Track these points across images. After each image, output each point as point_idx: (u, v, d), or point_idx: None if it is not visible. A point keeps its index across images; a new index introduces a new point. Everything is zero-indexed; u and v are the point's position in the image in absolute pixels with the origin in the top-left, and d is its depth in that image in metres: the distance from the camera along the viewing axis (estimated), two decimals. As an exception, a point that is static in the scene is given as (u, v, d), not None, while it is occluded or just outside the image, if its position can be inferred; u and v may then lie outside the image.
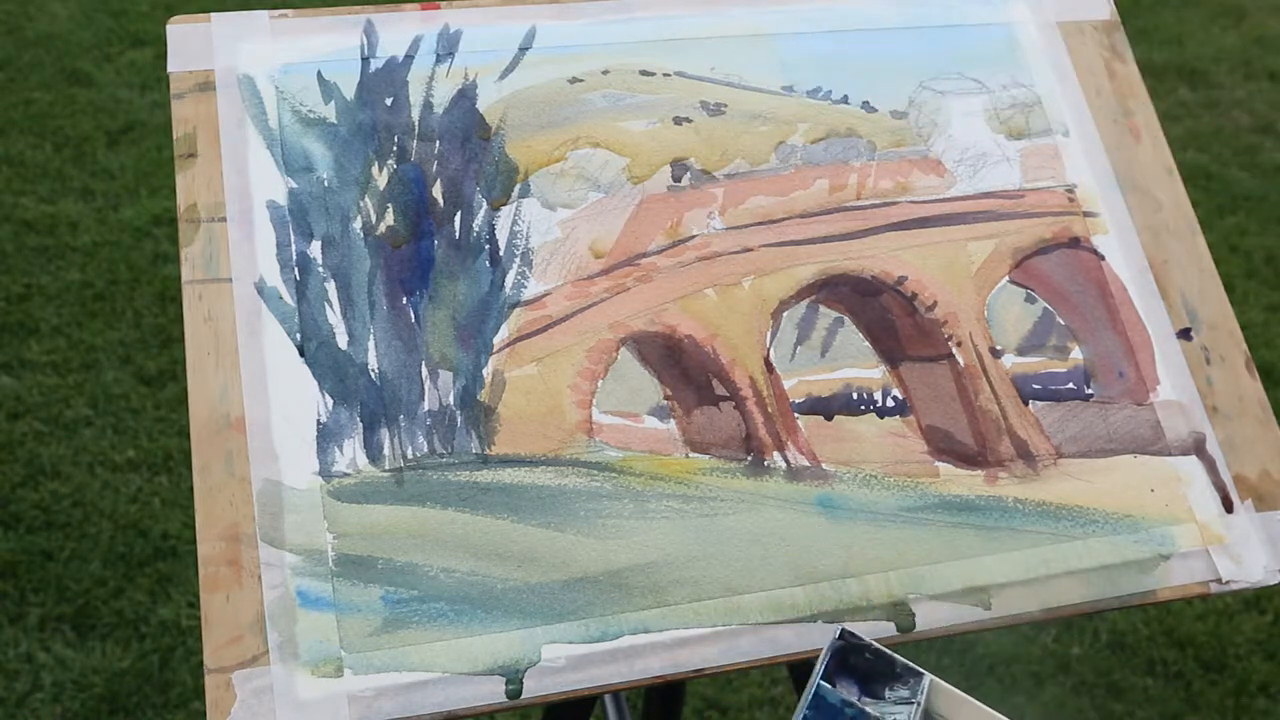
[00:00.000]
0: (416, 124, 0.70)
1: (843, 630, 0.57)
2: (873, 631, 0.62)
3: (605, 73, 0.74)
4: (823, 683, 0.56)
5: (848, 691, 0.57)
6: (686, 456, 0.65)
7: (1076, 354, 0.72)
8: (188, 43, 0.70)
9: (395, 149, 0.70)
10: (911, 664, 0.57)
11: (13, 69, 2.21)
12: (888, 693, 0.57)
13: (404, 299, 0.66)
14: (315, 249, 0.66)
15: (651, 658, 0.60)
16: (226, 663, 0.57)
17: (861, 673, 0.58)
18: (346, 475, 0.62)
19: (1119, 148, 0.78)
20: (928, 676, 0.57)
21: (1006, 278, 0.73)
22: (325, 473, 0.62)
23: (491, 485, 0.63)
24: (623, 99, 0.74)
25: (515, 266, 0.68)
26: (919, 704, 0.56)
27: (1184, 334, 0.73)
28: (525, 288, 0.68)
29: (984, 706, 0.56)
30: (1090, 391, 0.71)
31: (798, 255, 0.71)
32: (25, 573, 1.43)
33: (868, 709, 0.55)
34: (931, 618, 0.64)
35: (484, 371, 0.65)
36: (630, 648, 0.60)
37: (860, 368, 0.69)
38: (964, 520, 0.66)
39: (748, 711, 1.38)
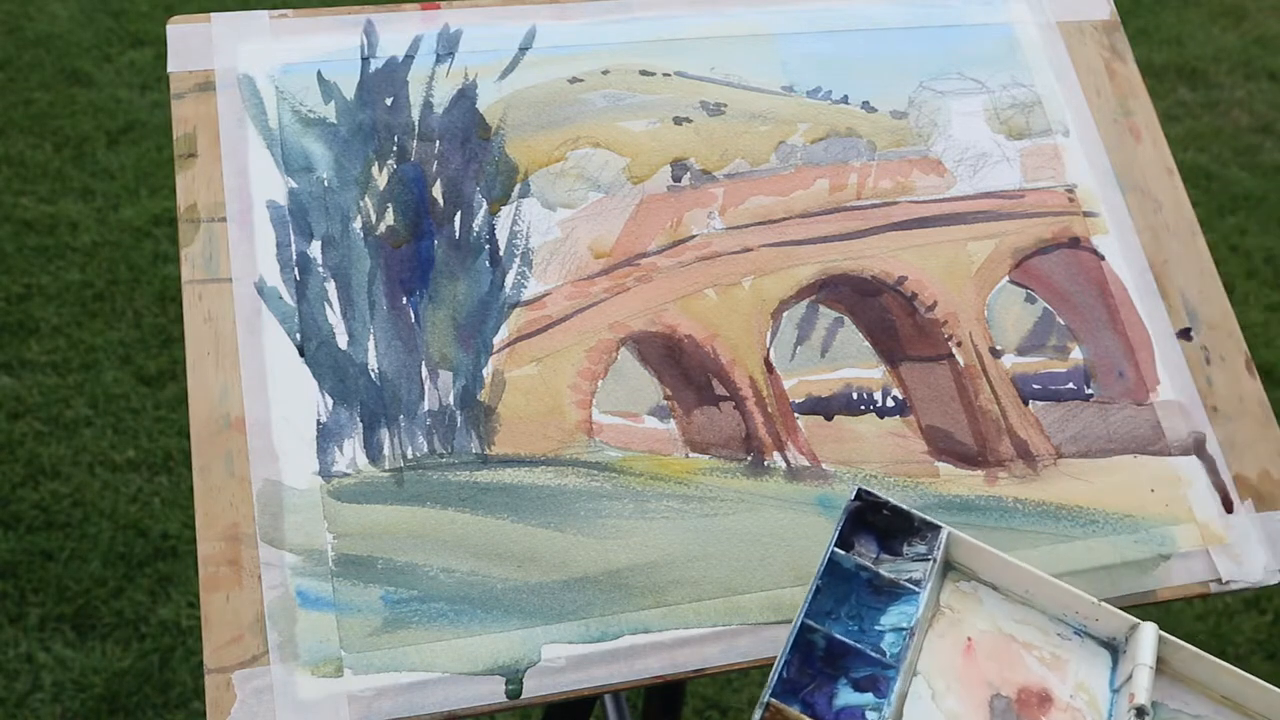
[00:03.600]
0: (416, 124, 0.70)
1: (860, 490, 0.57)
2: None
3: (605, 73, 0.74)
4: (837, 549, 0.56)
5: (867, 548, 0.57)
6: (686, 456, 0.65)
7: (1076, 354, 0.72)
8: (188, 43, 0.70)
9: (395, 149, 0.70)
10: (929, 518, 0.57)
11: (13, 69, 2.21)
12: (906, 549, 0.57)
13: (404, 299, 0.66)
14: (315, 249, 0.66)
15: (651, 658, 0.60)
16: (226, 663, 0.57)
17: (880, 530, 0.58)
18: (346, 475, 0.62)
19: (1119, 148, 0.78)
20: (945, 530, 0.57)
21: (1006, 278, 0.73)
22: (325, 473, 0.62)
23: (491, 485, 0.63)
24: (623, 99, 0.74)
25: (515, 266, 0.68)
26: (935, 559, 0.56)
27: (1184, 334, 0.73)
28: (525, 288, 0.68)
29: (1003, 555, 0.57)
30: (1090, 391, 0.71)
31: (798, 255, 0.71)
32: (25, 573, 1.43)
33: (882, 570, 0.55)
34: (931, 618, 0.64)
35: (484, 371, 0.65)
36: (630, 648, 0.60)
37: (860, 368, 0.69)
38: (964, 520, 0.66)
39: (747, 711, 1.38)
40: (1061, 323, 0.72)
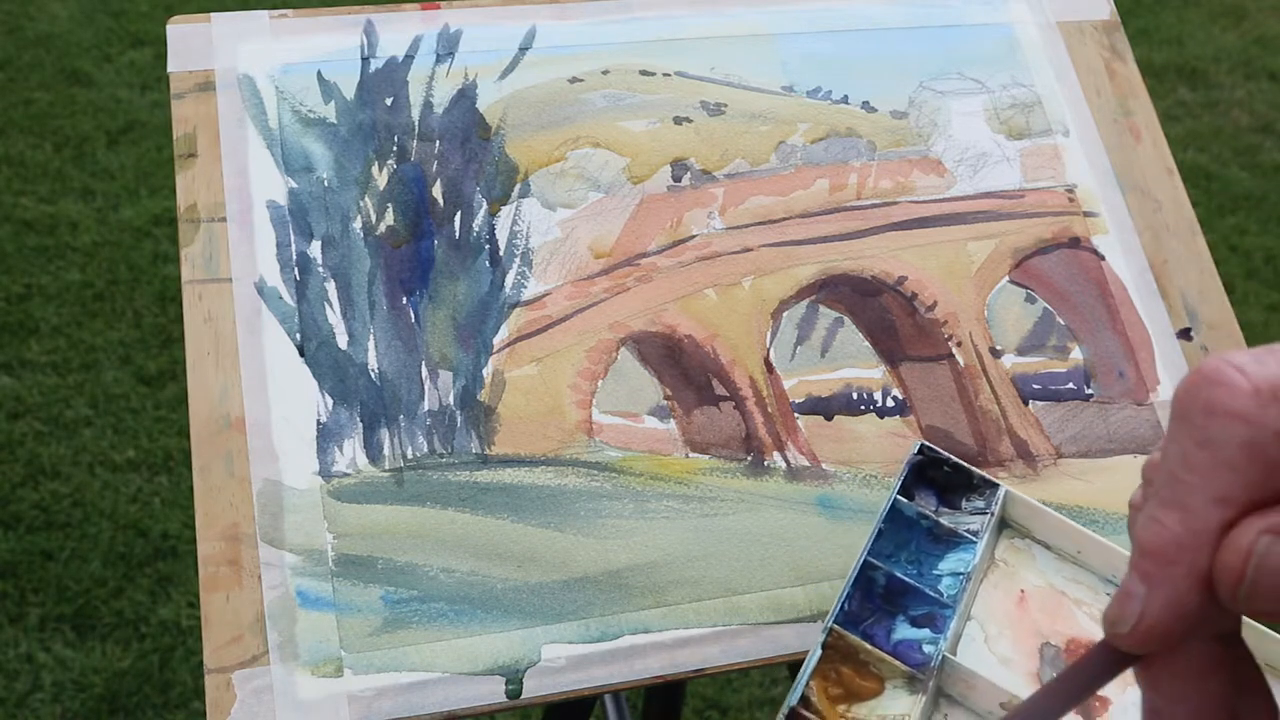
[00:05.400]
0: (416, 124, 0.70)
1: (921, 445, 0.61)
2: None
3: (605, 73, 0.74)
4: (899, 497, 0.59)
5: (926, 502, 0.61)
6: (686, 456, 0.65)
7: (1076, 354, 0.72)
8: (188, 43, 0.70)
9: (395, 149, 0.70)
10: (988, 476, 0.61)
11: (13, 69, 2.21)
12: (964, 504, 0.61)
13: (404, 299, 0.66)
14: (315, 249, 0.66)
15: (651, 658, 0.60)
16: (226, 663, 0.57)
17: (940, 485, 0.61)
18: (346, 475, 0.62)
19: (1119, 148, 0.78)
20: (1003, 487, 0.60)
21: (1006, 278, 0.73)
22: (325, 473, 0.62)
23: (491, 485, 0.63)
24: (623, 99, 0.74)
25: (515, 266, 0.68)
26: (993, 513, 0.59)
27: (1184, 334, 0.73)
28: (525, 288, 0.68)
29: (1058, 515, 0.60)
30: (1090, 391, 0.71)
31: (798, 255, 0.71)
32: (25, 573, 1.43)
33: (942, 520, 0.59)
34: (931, 618, 0.64)
35: (484, 371, 0.65)
36: (630, 648, 0.60)
37: (860, 368, 0.69)
38: (964, 520, 0.66)
39: (748, 711, 1.38)
40: (1061, 323, 0.72)
